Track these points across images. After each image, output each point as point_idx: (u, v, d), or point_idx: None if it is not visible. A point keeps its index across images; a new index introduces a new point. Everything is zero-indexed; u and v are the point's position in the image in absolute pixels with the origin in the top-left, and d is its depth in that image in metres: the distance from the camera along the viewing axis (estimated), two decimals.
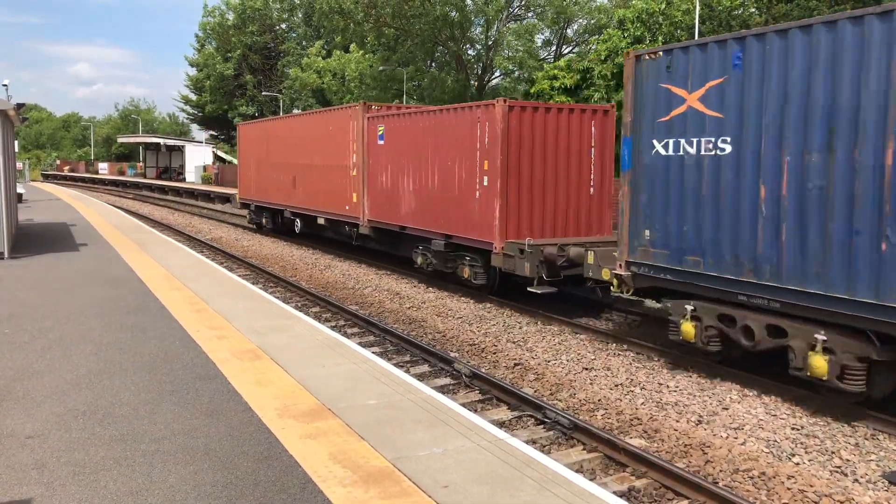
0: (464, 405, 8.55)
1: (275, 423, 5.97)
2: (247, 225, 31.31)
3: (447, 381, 9.67)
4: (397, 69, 45.90)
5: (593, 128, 14.21)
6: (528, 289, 12.99)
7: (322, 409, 6.33)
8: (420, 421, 6.06)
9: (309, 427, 5.90)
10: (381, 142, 17.57)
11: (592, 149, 14.24)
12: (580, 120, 14.13)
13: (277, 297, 14.08)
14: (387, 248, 18.72)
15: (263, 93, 64.36)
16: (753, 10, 30.02)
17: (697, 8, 27.76)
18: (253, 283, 15.65)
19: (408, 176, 16.50)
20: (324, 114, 21.61)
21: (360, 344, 11.13)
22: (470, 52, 48.87)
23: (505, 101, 13.43)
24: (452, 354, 10.81)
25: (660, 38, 29.84)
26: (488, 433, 5.82)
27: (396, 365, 10.16)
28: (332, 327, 12.35)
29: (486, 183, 13.77)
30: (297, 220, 23.17)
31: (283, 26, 70.48)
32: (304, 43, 66.27)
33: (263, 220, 26.64)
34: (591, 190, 14.34)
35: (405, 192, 16.59)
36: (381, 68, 46.54)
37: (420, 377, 9.72)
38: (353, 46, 48.99)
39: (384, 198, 17.59)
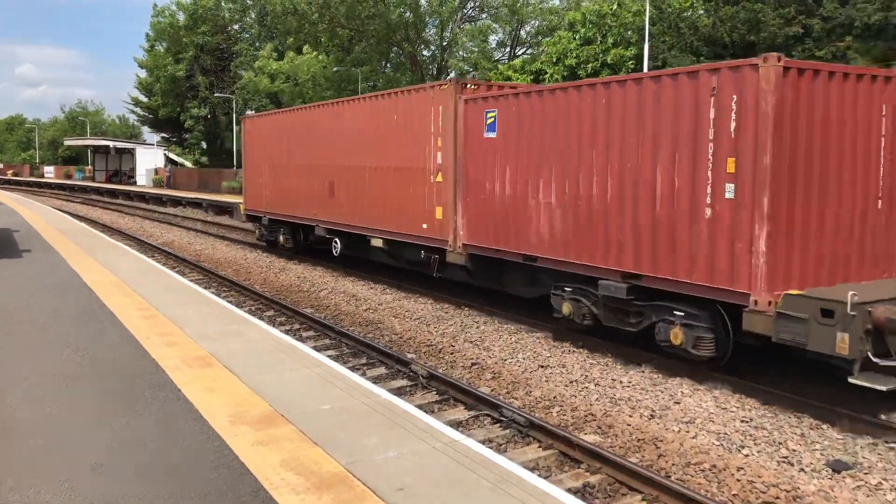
0: (420, 407, 8.55)
1: (226, 431, 5.87)
2: (200, 229, 30.82)
3: (404, 382, 9.65)
4: (352, 70, 45.66)
5: (884, 106, 9.17)
6: (852, 379, 7.65)
7: (275, 415, 6.25)
8: (375, 424, 6.03)
9: (261, 434, 5.82)
10: (491, 134, 12.34)
11: (883, 137, 9.21)
12: (868, 92, 9.01)
13: (230, 302, 13.87)
14: (489, 283, 13.78)
15: (216, 94, 63.36)
16: (702, 11, 30.61)
17: (648, 10, 28.20)
18: (205, 288, 15.40)
19: (544, 183, 11.29)
20: (386, 98, 15.61)
21: (315, 347, 11.04)
22: (425, 52, 48.90)
23: (779, 58, 8.26)
24: (409, 356, 10.79)
25: (609, 40, 30.27)
26: (444, 435, 5.82)
27: (352, 368, 10.11)
28: (287, 331, 12.22)
29: (730, 195, 8.55)
30: (337, 240, 17.89)
31: (236, 27, 69.53)
32: (257, 44, 65.43)
33: (281, 238, 21.12)
34: (879, 203, 9.23)
35: (539, 206, 11.39)
36: (335, 69, 46.25)
37: (376, 379, 9.68)
38: (306, 48, 48.59)
39: (497, 214, 12.33)
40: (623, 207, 9.96)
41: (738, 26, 25.63)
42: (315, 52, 48.17)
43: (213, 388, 6.96)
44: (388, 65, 50.71)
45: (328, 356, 10.22)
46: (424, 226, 14.10)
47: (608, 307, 10.51)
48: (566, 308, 11.20)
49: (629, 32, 30.55)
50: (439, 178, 13.64)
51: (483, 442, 7.58)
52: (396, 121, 14.95)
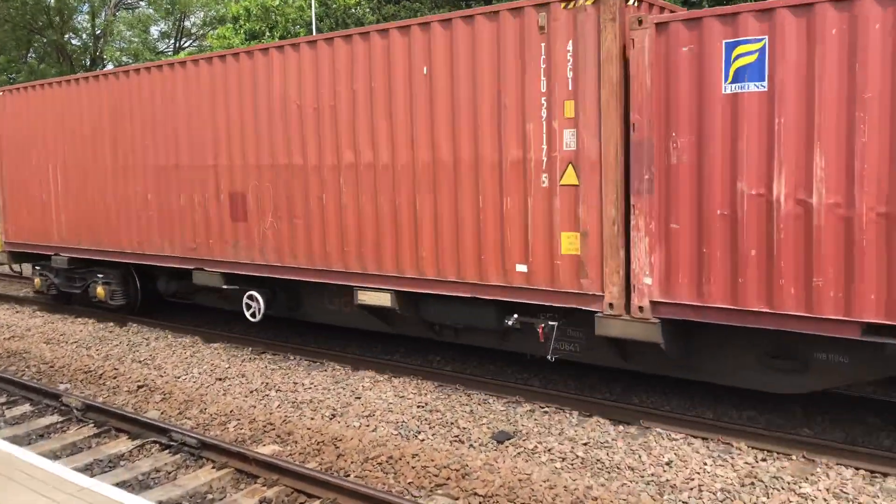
0: (73, 444, 7.58)
1: None
2: None
3: (54, 418, 8.42)
4: None
5: None
6: None
7: None
8: None
9: None
10: (752, 85, 6.32)
11: None
12: None
13: None
14: (679, 369, 7.68)
15: None
16: (368, 9, 31.61)
17: (314, 6, 28.30)
18: None
19: None
20: (398, 36, 8.49)
21: None
22: (75, 42, 43.79)
23: None
24: (62, 387, 9.45)
25: (276, 34, 29.91)
26: (71, 483, 4.98)
27: None
28: None
29: None
30: (257, 295, 10.44)
31: None
32: None
33: (98, 290, 12.74)
34: None
35: None
36: None
37: (18, 420, 8.29)
38: None
39: (778, 246, 6.31)
40: None
41: None
42: None
43: None
44: (33, 54, 44.49)
45: None
46: (522, 268, 7.93)
47: None
48: None
49: (297, 27, 30.41)
50: (572, 179, 7.54)
51: (150, 472, 6.85)
52: (430, 77, 8.29)
